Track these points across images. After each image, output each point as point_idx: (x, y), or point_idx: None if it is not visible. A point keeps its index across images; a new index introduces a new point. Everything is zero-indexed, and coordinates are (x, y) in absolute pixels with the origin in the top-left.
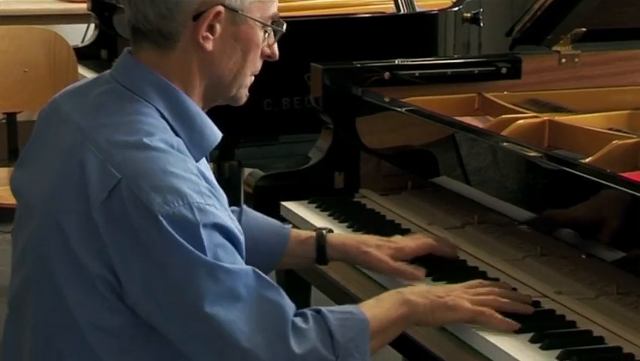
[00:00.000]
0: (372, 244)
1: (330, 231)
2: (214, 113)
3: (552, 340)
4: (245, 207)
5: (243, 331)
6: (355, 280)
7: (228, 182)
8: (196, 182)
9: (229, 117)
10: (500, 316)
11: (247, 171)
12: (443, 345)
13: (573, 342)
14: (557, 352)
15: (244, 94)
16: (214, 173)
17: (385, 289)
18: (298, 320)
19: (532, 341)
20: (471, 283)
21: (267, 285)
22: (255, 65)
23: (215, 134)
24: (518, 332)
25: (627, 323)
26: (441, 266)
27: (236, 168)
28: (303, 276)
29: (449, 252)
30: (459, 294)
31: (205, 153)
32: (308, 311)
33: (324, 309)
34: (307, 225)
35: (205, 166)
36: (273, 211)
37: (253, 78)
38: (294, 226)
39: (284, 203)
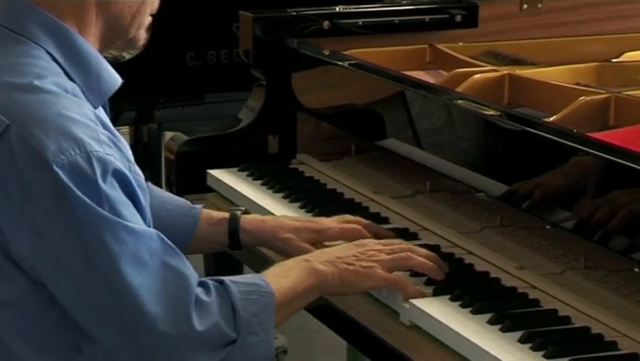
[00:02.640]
0: (290, 228)
1: (247, 212)
2: (127, 70)
3: (513, 321)
4: (150, 184)
5: (146, 298)
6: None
7: (146, 148)
8: (94, 128)
9: (146, 74)
10: (413, 286)
11: (168, 135)
12: (394, 330)
13: (536, 323)
14: (519, 334)
15: (142, 36)
16: (130, 137)
17: None
18: (200, 292)
19: (491, 322)
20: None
21: (171, 251)
22: (154, 3)
23: (114, 78)
24: (476, 313)
25: (596, 300)
26: None
27: (155, 132)
28: (235, 254)
29: (383, 236)
30: (372, 256)
31: (104, 100)
32: (210, 282)
33: (227, 280)
34: (237, 195)
35: (103, 114)
36: (198, 180)
37: (151, 19)
38: (220, 199)
39: (210, 171)
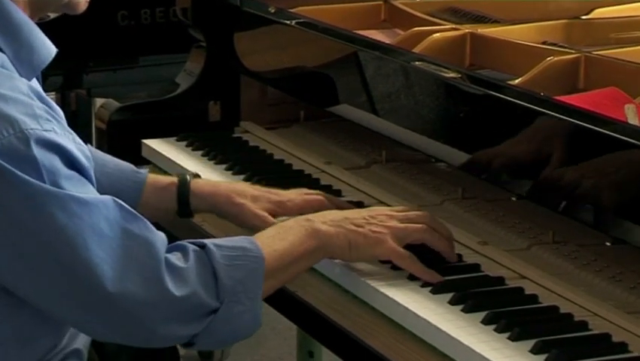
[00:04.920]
0: (247, 194)
1: (197, 176)
2: (53, 30)
3: (476, 301)
4: (90, 147)
5: (109, 274)
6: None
7: (75, 116)
8: (29, 103)
9: (74, 34)
10: (422, 266)
11: (99, 101)
12: (348, 312)
13: (501, 302)
14: (482, 315)
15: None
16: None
17: None
18: (175, 258)
19: (452, 303)
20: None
21: (132, 217)
22: None
23: (48, 47)
24: (435, 292)
25: (565, 277)
26: None
27: (84, 99)
28: (172, 231)
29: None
30: (383, 221)
31: (37, 72)
32: (190, 246)
33: (210, 243)
34: (175, 167)
35: (37, 86)
36: (133, 151)
37: None
38: (155, 170)
39: (145, 141)
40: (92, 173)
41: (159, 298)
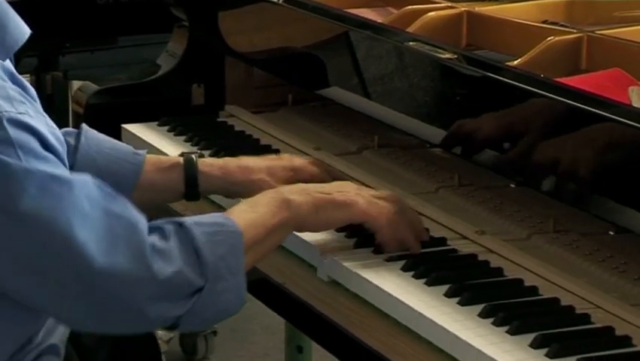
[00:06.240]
0: (260, 168)
1: (202, 155)
2: (27, 9)
3: (473, 293)
4: (85, 126)
5: (95, 253)
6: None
7: (50, 99)
8: (1, 85)
9: (49, 13)
10: (390, 233)
11: (76, 84)
12: (337, 305)
13: (499, 295)
14: (479, 308)
15: None
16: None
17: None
18: (156, 238)
19: (448, 295)
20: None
21: (110, 197)
22: None
23: (21, 28)
24: (431, 284)
25: (566, 268)
26: None
27: (60, 81)
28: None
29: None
30: (351, 191)
31: (10, 54)
32: (168, 225)
33: (188, 221)
34: (157, 154)
35: (10, 66)
36: (112, 137)
37: None
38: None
39: (125, 126)
40: (64, 158)
41: (146, 276)
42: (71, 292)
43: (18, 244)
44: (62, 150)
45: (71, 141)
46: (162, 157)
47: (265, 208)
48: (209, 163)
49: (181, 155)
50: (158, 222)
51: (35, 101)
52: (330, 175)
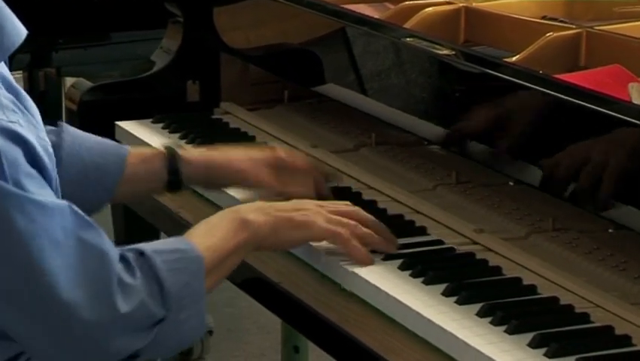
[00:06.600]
0: (243, 157)
1: (182, 147)
2: (20, 4)
3: (471, 292)
4: (64, 124)
5: (63, 283)
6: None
7: (43, 96)
8: None
9: (42, 9)
10: (358, 244)
11: (69, 81)
12: (334, 304)
13: (497, 294)
14: (477, 307)
15: None
16: (24, 84)
17: None
18: (122, 270)
19: (446, 294)
20: (333, 203)
21: (87, 226)
22: None
23: (18, 29)
24: (429, 283)
25: (565, 266)
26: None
27: (53, 78)
28: (149, 219)
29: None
30: (311, 208)
31: (6, 56)
32: (130, 255)
33: (148, 250)
34: None
35: (5, 71)
36: (106, 134)
37: None
38: None
39: (119, 123)
40: (53, 174)
41: (108, 316)
42: (37, 319)
43: None
44: (50, 165)
45: (53, 137)
46: (145, 148)
47: (224, 231)
48: (192, 152)
49: (164, 146)
50: (122, 250)
51: (28, 109)
52: (317, 169)
